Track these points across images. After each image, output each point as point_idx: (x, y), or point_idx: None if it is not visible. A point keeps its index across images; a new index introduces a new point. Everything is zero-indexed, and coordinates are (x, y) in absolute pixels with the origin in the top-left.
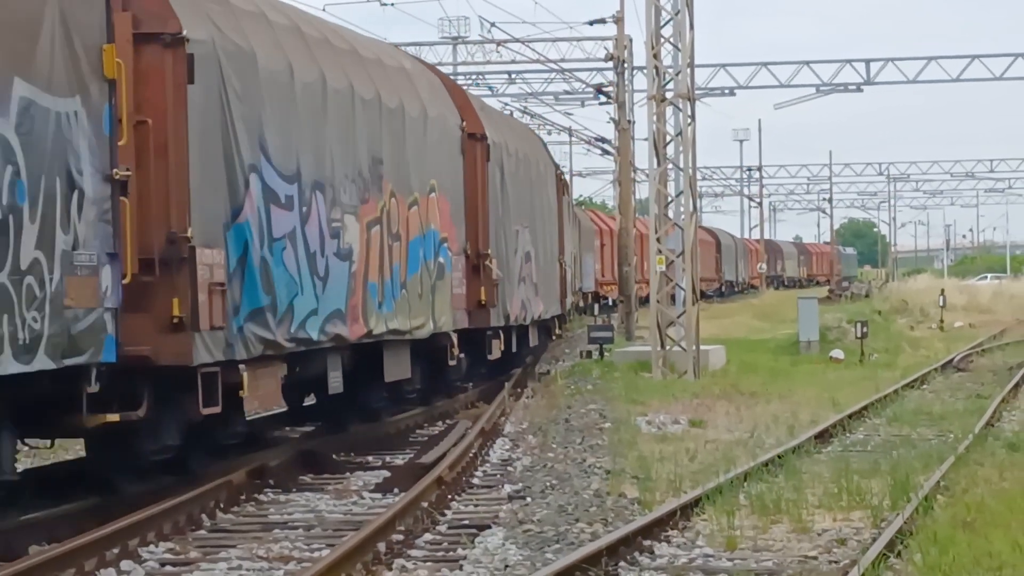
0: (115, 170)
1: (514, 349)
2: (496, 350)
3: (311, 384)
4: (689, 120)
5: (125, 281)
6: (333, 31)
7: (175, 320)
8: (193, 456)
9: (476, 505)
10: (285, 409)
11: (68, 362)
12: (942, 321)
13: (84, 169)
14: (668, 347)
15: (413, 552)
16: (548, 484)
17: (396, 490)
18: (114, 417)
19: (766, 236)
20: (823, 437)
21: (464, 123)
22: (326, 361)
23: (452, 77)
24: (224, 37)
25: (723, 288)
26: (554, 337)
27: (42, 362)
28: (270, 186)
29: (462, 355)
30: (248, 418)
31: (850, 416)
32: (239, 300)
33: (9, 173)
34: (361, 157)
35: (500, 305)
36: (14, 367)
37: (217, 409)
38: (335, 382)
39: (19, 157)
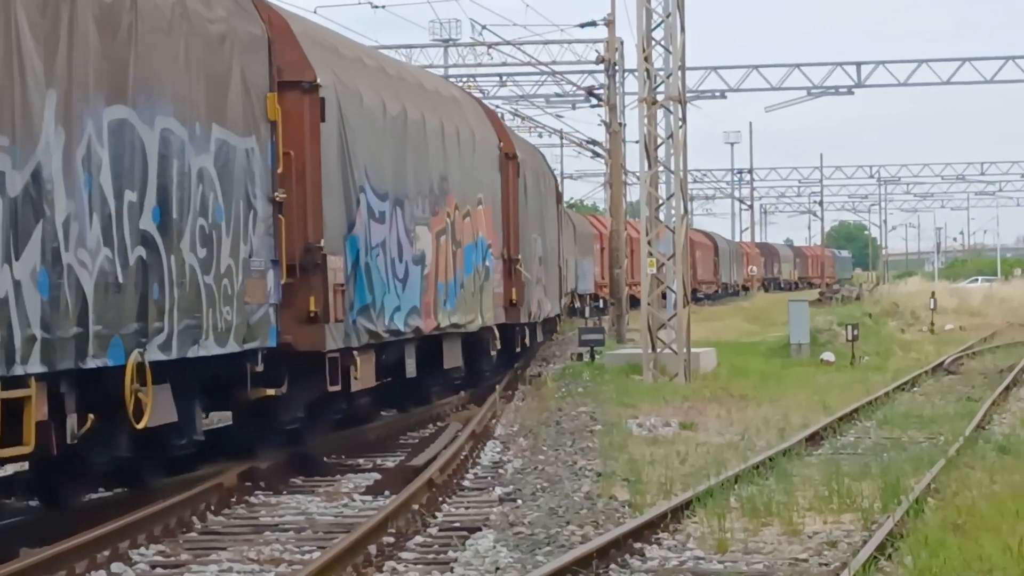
0: (275, 193)
1: (527, 343)
2: (520, 343)
3: (390, 369)
4: (680, 123)
5: (282, 282)
6: (404, 68)
7: (311, 314)
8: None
9: (467, 507)
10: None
11: (247, 346)
12: (932, 324)
13: (257, 193)
14: (659, 350)
15: (404, 554)
16: (539, 486)
17: (387, 492)
18: (271, 391)
19: (757, 239)
20: (814, 440)
21: (501, 143)
22: (403, 350)
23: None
24: (340, 82)
25: (719, 290)
26: (554, 336)
27: (231, 346)
28: (371, 203)
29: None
30: (353, 390)
31: (841, 419)
32: (353, 298)
33: (212, 198)
34: (432, 176)
35: (526, 304)
36: (215, 349)
37: (339, 387)
38: (411, 368)
39: (217, 186)
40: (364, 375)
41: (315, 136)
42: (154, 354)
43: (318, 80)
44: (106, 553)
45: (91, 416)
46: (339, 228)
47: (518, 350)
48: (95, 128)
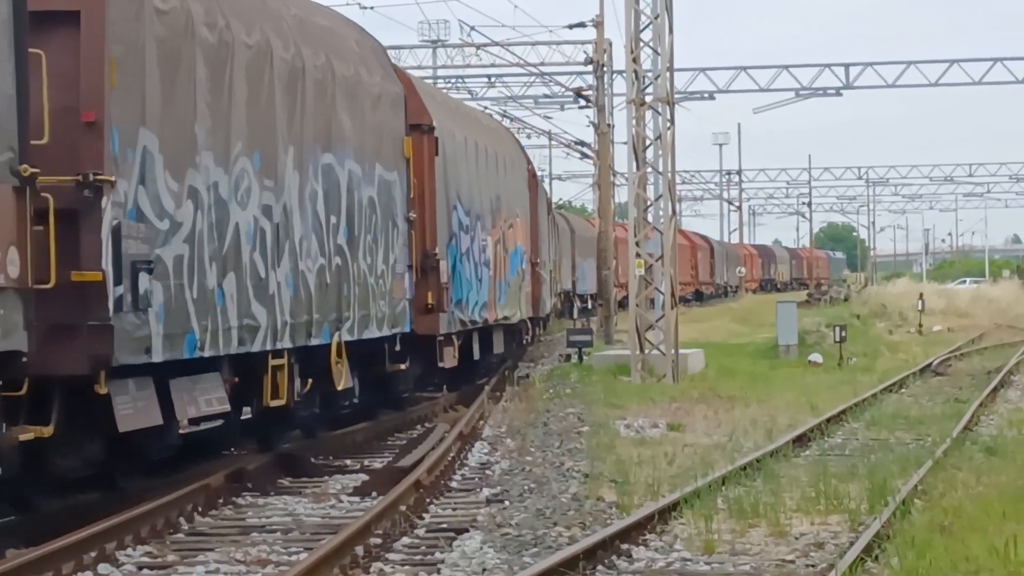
0: (409, 213)
1: (540, 332)
2: (536, 332)
3: (462, 351)
4: (668, 124)
5: (414, 281)
6: (468, 107)
7: (428, 306)
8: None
9: (454, 509)
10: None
11: (395, 331)
12: (921, 325)
13: (399, 214)
14: (647, 351)
15: (391, 555)
16: (526, 488)
17: (374, 494)
18: (403, 366)
19: (745, 240)
20: (801, 441)
21: (529, 166)
22: (471, 336)
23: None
24: (442, 122)
25: (715, 291)
26: (546, 328)
27: (384, 331)
28: (460, 218)
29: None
30: (446, 367)
31: (828, 420)
32: (451, 294)
33: (375, 219)
34: (492, 195)
35: (543, 300)
36: (376, 333)
37: (445, 364)
38: (476, 351)
39: (378, 210)
40: (452, 356)
41: (431, 167)
42: (344, 336)
43: (434, 123)
44: (93, 554)
45: (310, 380)
46: (444, 238)
47: (539, 338)
48: (313, 171)
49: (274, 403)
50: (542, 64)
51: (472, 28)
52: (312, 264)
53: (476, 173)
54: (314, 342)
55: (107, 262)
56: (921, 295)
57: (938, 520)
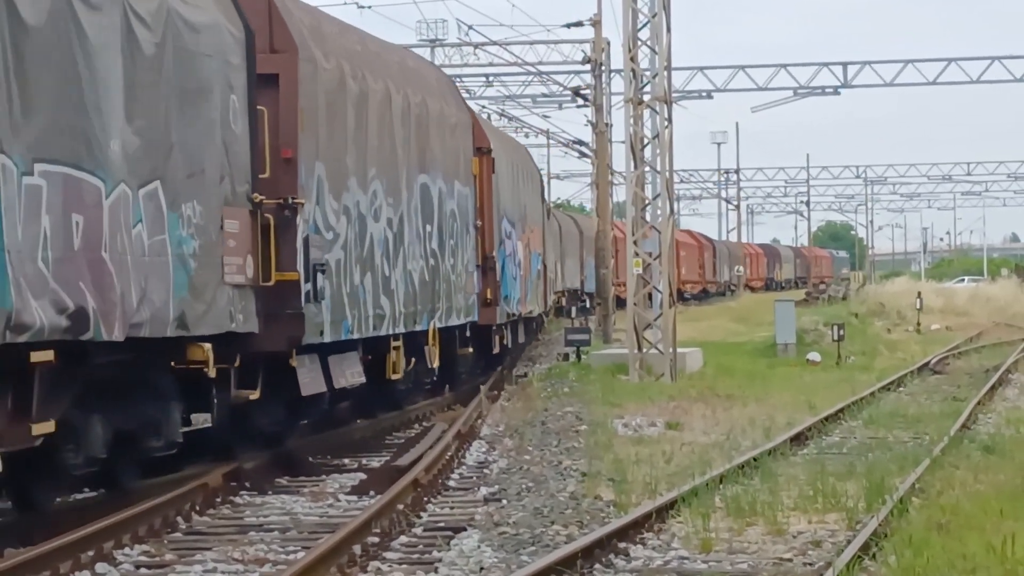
0: (477, 222)
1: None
2: (543, 324)
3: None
4: (666, 123)
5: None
6: (502, 132)
7: (488, 300)
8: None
9: (452, 507)
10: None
11: (466, 320)
12: (919, 324)
13: (470, 222)
14: (645, 350)
15: (388, 554)
16: (524, 486)
17: (372, 492)
18: (470, 351)
19: (743, 239)
20: (799, 440)
21: (541, 179)
22: (509, 327)
23: None
24: (495, 146)
25: (720, 289)
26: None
27: (461, 320)
28: (505, 226)
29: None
30: (495, 353)
31: (826, 419)
32: (501, 290)
33: (455, 227)
34: (521, 206)
35: (548, 297)
36: (455, 322)
37: (495, 350)
38: (509, 339)
39: (458, 219)
40: (501, 343)
41: (489, 183)
42: (436, 324)
43: (491, 146)
44: (90, 553)
45: (412, 359)
46: (496, 242)
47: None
48: (416, 189)
49: (394, 376)
50: (540, 63)
51: (470, 27)
52: (416, 264)
53: (512, 188)
54: (418, 328)
55: (300, 265)
56: (919, 294)
57: (935, 518)
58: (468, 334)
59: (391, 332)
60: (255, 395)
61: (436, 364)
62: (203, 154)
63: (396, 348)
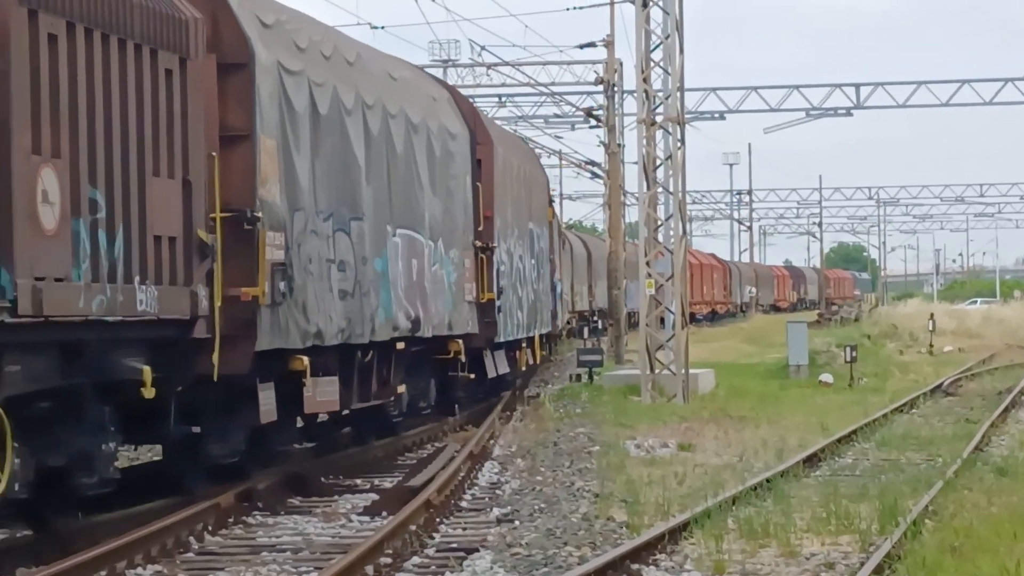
0: (551, 256)
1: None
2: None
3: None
4: (679, 144)
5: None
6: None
7: (554, 315)
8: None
9: (464, 528)
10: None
11: (543, 331)
12: (931, 345)
13: (545, 257)
14: (657, 371)
15: (401, 575)
16: (536, 507)
17: (384, 513)
18: (544, 353)
19: (756, 260)
20: (812, 461)
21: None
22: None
23: None
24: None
25: (731, 310)
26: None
27: (544, 330)
28: (554, 259)
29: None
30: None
31: (839, 440)
32: (558, 309)
33: (542, 260)
34: (551, 241)
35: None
36: (542, 331)
37: (547, 354)
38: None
39: (545, 254)
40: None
41: (551, 227)
42: (536, 332)
43: (552, 198)
44: (103, 573)
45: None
46: (555, 273)
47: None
48: (527, 233)
49: (524, 368)
50: (552, 84)
51: (483, 48)
52: (530, 289)
53: (552, 229)
54: (529, 335)
55: (495, 288)
56: (932, 315)
57: (949, 541)
58: (545, 341)
59: (522, 337)
60: (472, 376)
61: (537, 361)
62: (457, 218)
63: (523, 348)
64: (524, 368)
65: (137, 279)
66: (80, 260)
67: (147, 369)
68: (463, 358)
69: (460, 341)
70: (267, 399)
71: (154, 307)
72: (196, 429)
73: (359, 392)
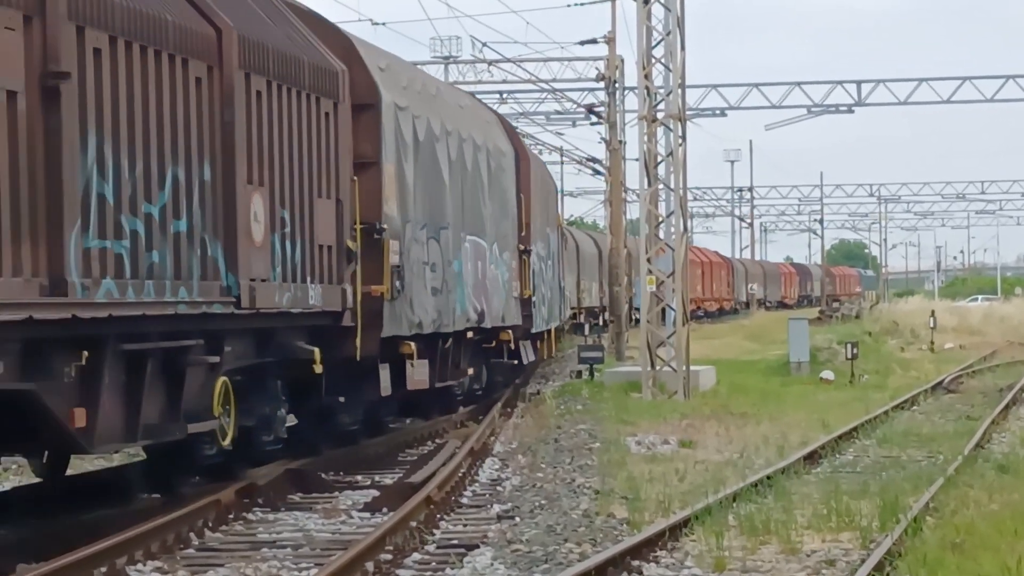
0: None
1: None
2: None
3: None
4: (680, 140)
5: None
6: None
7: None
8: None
9: (465, 525)
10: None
11: (556, 325)
12: (932, 342)
13: (557, 256)
14: (658, 367)
15: (401, 572)
16: (537, 504)
17: (385, 509)
18: (551, 348)
19: (757, 257)
20: (813, 458)
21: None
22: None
23: None
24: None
25: (732, 307)
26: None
27: (557, 323)
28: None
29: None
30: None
31: (840, 437)
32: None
33: (561, 263)
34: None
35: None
36: (556, 324)
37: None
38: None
39: (551, 255)
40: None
41: (561, 232)
42: (553, 325)
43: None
44: (103, 569)
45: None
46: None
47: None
48: (546, 236)
49: (546, 356)
50: (554, 80)
51: (484, 44)
52: (548, 290)
53: (558, 232)
54: (551, 326)
55: (532, 286)
56: (933, 312)
57: (950, 538)
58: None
59: (546, 328)
60: (515, 362)
61: (554, 350)
62: (507, 224)
63: (544, 339)
64: (545, 357)
65: (309, 279)
66: (275, 265)
67: (317, 350)
68: (512, 346)
69: (510, 331)
70: (385, 377)
71: (319, 301)
72: (342, 399)
73: (441, 373)
